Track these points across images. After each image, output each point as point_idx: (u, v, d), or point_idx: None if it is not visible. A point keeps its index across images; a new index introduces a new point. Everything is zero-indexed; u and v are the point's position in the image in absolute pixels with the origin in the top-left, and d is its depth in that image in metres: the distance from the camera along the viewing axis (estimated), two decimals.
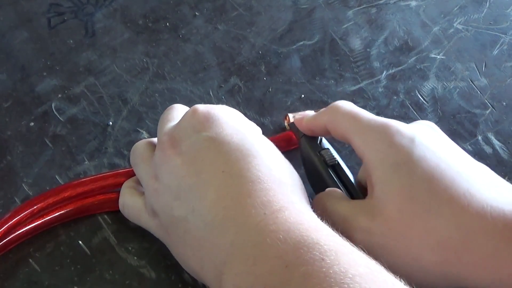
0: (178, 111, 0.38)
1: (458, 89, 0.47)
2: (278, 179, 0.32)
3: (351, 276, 0.25)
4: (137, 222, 0.38)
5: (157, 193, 0.35)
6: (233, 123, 0.35)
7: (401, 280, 0.27)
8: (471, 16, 0.52)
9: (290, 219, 0.29)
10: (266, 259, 0.28)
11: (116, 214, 0.39)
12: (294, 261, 0.27)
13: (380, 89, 0.47)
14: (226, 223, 0.31)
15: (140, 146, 0.39)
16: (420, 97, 0.47)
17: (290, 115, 0.43)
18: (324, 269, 0.26)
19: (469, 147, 0.44)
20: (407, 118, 0.45)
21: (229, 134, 0.34)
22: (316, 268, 0.26)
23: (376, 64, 0.48)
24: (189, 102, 0.45)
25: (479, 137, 0.45)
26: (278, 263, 0.27)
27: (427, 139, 0.34)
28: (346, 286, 0.25)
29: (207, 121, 0.35)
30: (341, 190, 0.36)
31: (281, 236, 0.28)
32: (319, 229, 0.29)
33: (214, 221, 0.31)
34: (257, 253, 0.28)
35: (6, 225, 0.36)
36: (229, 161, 0.33)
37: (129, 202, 0.38)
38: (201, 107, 0.35)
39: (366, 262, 0.27)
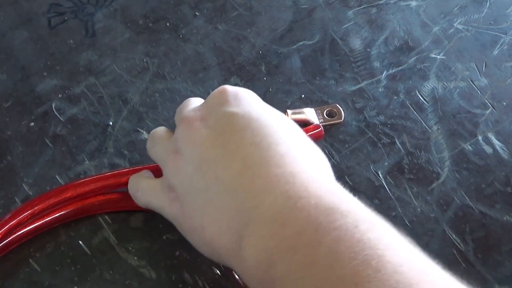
0: (195, 102, 0.38)
1: (458, 89, 0.47)
2: (308, 157, 0.32)
3: (385, 243, 0.25)
4: (148, 204, 0.37)
5: (176, 166, 0.34)
6: (260, 104, 0.35)
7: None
8: (471, 16, 0.52)
9: (322, 189, 0.28)
10: (295, 221, 0.27)
11: (116, 214, 0.39)
12: (325, 225, 0.26)
13: (380, 89, 0.47)
14: (252, 189, 0.30)
15: (160, 130, 0.39)
16: (420, 97, 0.47)
17: (289, 112, 0.44)
18: (357, 235, 0.25)
19: (469, 147, 0.44)
20: (407, 118, 0.45)
21: (258, 112, 0.33)
22: (349, 233, 0.25)
23: (376, 64, 0.48)
24: None
25: (479, 137, 0.45)
26: (308, 226, 0.26)
27: None
28: (380, 252, 0.24)
29: (235, 99, 0.34)
30: None
31: (312, 202, 0.27)
32: (351, 201, 0.28)
33: (238, 188, 0.30)
34: (286, 216, 0.27)
35: (7, 226, 0.36)
36: (258, 136, 0.32)
37: (143, 185, 0.37)
38: (230, 87, 0.35)
39: (399, 234, 0.27)
